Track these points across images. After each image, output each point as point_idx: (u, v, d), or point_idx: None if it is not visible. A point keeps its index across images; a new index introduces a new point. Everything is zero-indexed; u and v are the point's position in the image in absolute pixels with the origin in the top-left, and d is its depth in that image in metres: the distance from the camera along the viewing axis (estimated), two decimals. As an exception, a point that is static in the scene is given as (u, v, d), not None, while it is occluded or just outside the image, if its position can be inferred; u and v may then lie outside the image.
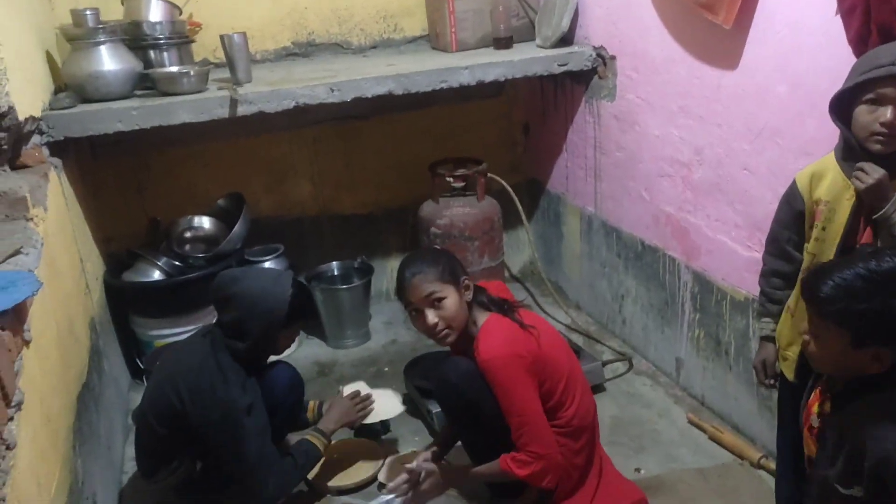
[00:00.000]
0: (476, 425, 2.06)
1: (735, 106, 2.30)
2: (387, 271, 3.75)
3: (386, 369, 3.18)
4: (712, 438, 2.51)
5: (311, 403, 2.50)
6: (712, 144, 2.43)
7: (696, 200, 2.55)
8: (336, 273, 3.51)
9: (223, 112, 2.62)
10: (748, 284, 2.36)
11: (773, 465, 2.31)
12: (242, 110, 2.63)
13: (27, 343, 1.67)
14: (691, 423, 2.61)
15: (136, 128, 2.55)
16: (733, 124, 2.32)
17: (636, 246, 2.98)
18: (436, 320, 2.02)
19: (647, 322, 3.00)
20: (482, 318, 2.04)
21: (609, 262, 3.21)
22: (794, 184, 1.79)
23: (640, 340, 3.08)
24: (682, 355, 2.79)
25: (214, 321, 2.29)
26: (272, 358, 2.37)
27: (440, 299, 2.01)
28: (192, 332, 2.41)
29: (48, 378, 1.84)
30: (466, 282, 2.06)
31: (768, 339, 1.92)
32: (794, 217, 1.80)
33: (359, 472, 2.47)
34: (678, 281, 2.73)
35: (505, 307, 2.06)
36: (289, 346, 2.33)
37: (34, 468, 1.58)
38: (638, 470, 2.41)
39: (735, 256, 2.40)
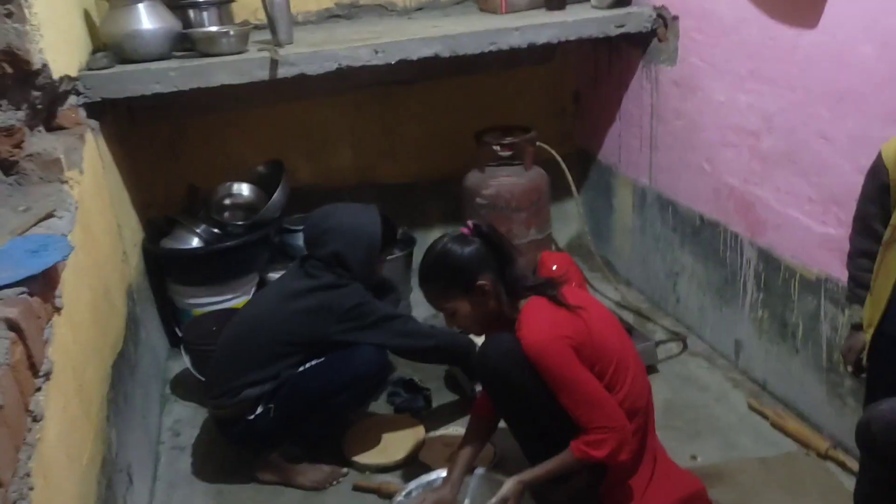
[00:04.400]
0: (522, 408, 1.93)
1: (813, 68, 2.11)
2: (428, 243, 3.61)
3: (427, 344, 3.07)
4: (775, 426, 2.35)
5: None
6: (785, 111, 2.24)
7: (764, 172, 2.37)
8: (377, 244, 3.40)
9: (263, 74, 2.51)
10: (820, 262, 2.19)
11: (841, 457, 2.15)
12: (283, 72, 2.52)
13: (58, 310, 1.60)
14: (752, 408, 2.45)
15: (175, 89, 2.45)
16: (810, 88, 2.13)
17: (694, 220, 2.81)
18: (453, 326, 2.00)
19: (703, 301, 2.84)
20: (523, 302, 1.90)
21: (663, 237, 3.05)
22: (879, 155, 1.67)
23: (695, 320, 2.92)
24: (742, 337, 2.63)
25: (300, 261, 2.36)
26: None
27: (451, 312, 1.93)
28: (279, 276, 2.53)
29: (81, 346, 1.77)
30: (483, 285, 1.86)
31: (858, 327, 1.76)
32: (878, 191, 1.67)
33: (398, 450, 2.38)
34: (740, 258, 2.56)
35: (546, 288, 1.90)
36: (380, 272, 2.46)
37: (64, 439, 1.51)
38: (694, 457, 2.27)
39: (807, 232, 2.23)
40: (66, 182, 1.96)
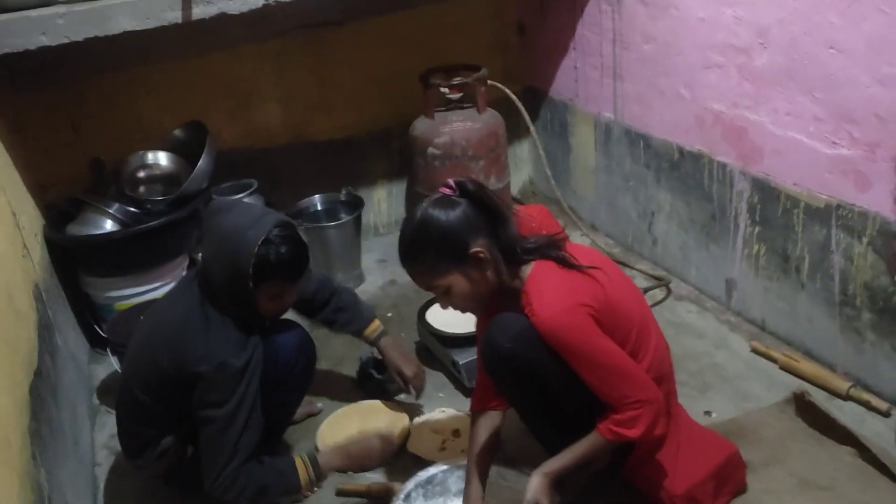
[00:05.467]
0: (540, 396, 1.65)
1: (816, -31, 1.88)
2: (374, 202, 3.29)
3: (390, 315, 2.77)
4: (785, 368, 2.18)
5: (376, 322, 2.15)
6: (784, 21, 2.01)
7: (759, 93, 2.15)
8: (320, 208, 3.04)
9: (174, 16, 2.10)
10: (831, 188, 2.00)
11: (864, 396, 2.01)
12: (198, 12, 2.12)
13: (-52, 335, 1.21)
14: (756, 352, 2.28)
15: (66, 41, 2.02)
16: (815, -8, 1.90)
17: (671, 154, 2.58)
18: (447, 306, 1.66)
19: (685, 240, 2.64)
20: (526, 268, 1.60)
21: (634, 175, 2.82)
22: None
23: (676, 261, 2.72)
24: (735, 275, 2.44)
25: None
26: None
27: (445, 290, 1.61)
28: (182, 277, 1.96)
29: (-14, 374, 1.38)
30: (478, 252, 1.54)
31: None
32: None
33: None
34: (730, 190, 2.36)
35: (550, 249, 1.61)
36: (279, 309, 1.85)
37: (-20, 506, 1.14)
38: (709, 413, 2.08)
39: (814, 156, 2.02)
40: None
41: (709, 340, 2.39)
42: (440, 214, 1.56)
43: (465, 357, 2.22)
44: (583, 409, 1.59)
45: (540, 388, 1.63)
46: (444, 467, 1.86)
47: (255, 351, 1.74)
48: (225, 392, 1.69)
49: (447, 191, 1.59)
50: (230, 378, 1.69)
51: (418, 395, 2.14)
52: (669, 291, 2.65)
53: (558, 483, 1.67)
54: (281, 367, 1.83)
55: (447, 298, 1.62)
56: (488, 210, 1.59)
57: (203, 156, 2.53)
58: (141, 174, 2.63)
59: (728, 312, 2.49)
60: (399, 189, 3.31)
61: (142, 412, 1.82)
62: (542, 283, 1.55)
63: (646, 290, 2.60)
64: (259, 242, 1.68)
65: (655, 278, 2.72)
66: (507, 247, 1.59)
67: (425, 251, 1.57)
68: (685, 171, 2.54)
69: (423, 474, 1.85)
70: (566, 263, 1.57)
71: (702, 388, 2.18)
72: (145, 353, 1.80)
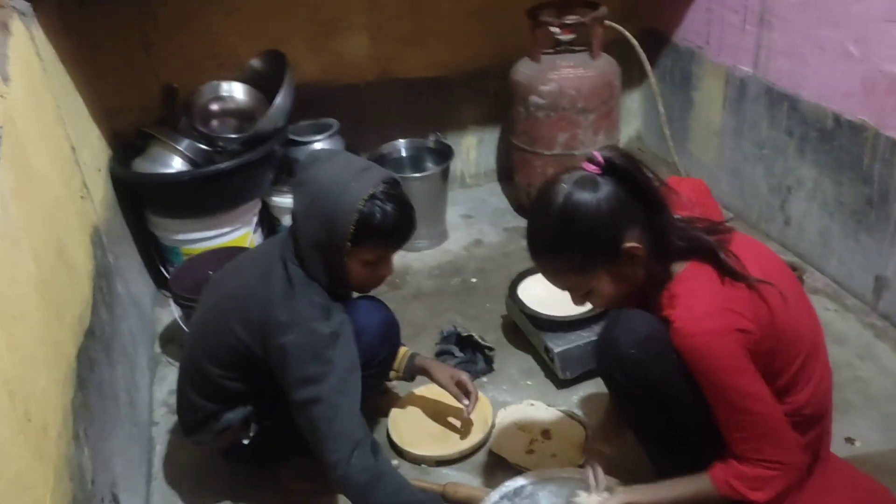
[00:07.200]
0: (658, 412, 1.37)
1: None
2: (462, 150, 2.99)
3: (474, 280, 2.50)
4: (949, 395, 1.83)
5: (401, 350, 1.84)
6: None
7: (959, 58, 1.74)
8: (404, 154, 2.76)
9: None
10: None
11: None
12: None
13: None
14: (911, 369, 1.93)
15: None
16: None
17: (824, 121, 2.18)
18: (582, 305, 1.38)
19: (828, 225, 2.25)
20: (678, 265, 1.29)
21: (771, 142, 2.42)
22: None
23: (813, 247, 2.34)
24: (889, 273, 2.06)
25: None
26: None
27: (586, 292, 1.33)
28: (264, 241, 1.73)
29: (24, 351, 1.18)
30: (633, 248, 1.24)
31: None
32: None
33: (461, 435, 1.85)
34: (897, 173, 1.96)
35: (710, 248, 1.27)
36: (370, 280, 1.60)
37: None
38: (851, 441, 1.76)
39: None
40: (-20, 97, 1.31)
41: (851, 348, 2.04)
42: (589, 200, 1.23)
43: (562, 345, 1.95)
44: (710, 434, 1.31)
45: (662, 403, 1.35)
46: (536, 478, 1.61)
47: (343, 319, 1.51)
48: (322, 364, 1.45)
49: (592, 167, 1.26)
50: (322, 346, 1.45)
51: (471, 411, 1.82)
52: (803, 282, 2.29)
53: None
54: (361, 353, 1.59)
55: (584, 298, 1.34)
56: (642, 192, 1.27)
57: (282, 91, 2.26)
58: (214, 107, 2.38)
59: (874, 315, 2.13)
60: (491, 137, 3.00)
61: (210, 387, 1.62)
62: (694, 287, 1.25)
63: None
64: (364, 197, 1.45)
65: (788, 265, 2.36)
66: (659, 239, 1.28)
67: (571, 248, 1.26)
68: (839, 143, 2.14)
69: (511, 484, 1.60)
70: (731, 273, 1.25)
71: (843, 407, 1.84)
72: (217, 321, 1.58)
